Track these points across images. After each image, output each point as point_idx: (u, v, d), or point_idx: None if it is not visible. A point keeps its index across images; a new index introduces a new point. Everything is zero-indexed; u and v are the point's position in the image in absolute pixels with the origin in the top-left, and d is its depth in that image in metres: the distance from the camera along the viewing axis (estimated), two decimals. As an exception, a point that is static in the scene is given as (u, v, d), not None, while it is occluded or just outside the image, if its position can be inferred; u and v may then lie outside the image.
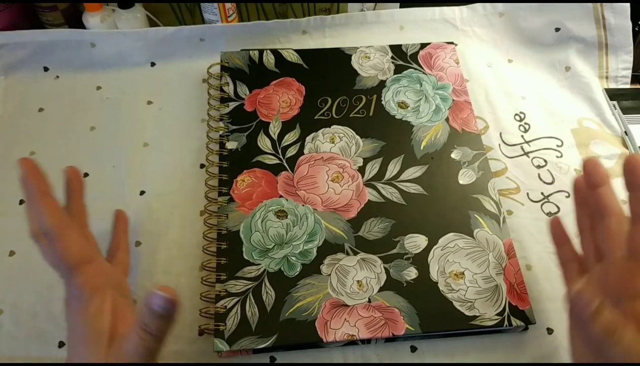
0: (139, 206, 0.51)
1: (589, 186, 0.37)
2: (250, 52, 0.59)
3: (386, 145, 0.53)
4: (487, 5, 0.64)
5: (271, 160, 0.52)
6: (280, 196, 0.49)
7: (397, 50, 0.60)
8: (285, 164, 0.51)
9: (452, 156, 0.53)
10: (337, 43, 0.62)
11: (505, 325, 0.43)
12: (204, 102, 0.56)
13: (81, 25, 0.61)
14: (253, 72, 0.58)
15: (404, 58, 0.60)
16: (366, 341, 0.44)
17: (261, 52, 0.59)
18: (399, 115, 0.55)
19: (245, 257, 0.46)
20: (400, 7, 0.65)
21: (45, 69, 0.60)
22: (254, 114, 0.55)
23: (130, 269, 0.45)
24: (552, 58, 0.62)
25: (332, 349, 0.44)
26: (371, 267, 0.46)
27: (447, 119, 0.55)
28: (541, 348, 0.45)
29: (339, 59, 0.59)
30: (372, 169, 0.51)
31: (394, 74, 0.58)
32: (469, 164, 0.52)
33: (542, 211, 0.52)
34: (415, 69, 0.59)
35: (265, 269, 0.45)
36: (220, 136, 0.53)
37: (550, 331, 0.45)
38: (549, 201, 0.52)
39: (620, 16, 0.60)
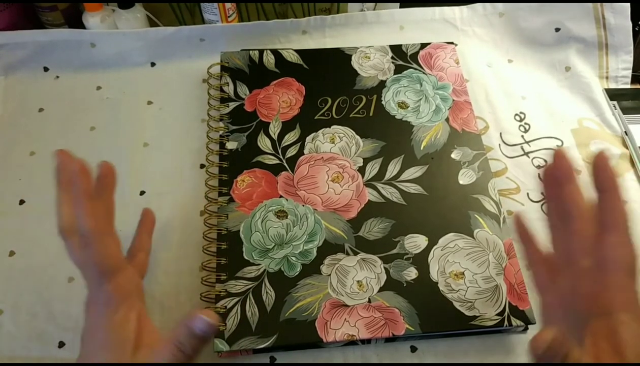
0: (139, 206, 0.50)
1: (555, 181, 0.35)
2: (250, 52, 0.59)
3: (386, 145, 0.53)
4: (487, 5, 0.64)
5: (271, 160, 0.52)
6: (280, 196, 0.49)
7: (397, 50, 0.60)
8: (285, 164, 0.51)
9: (452, 156, 0.53)
10: (337, 43, 0.62)
11: (505, 325, 0.43)
12: (204, 102, 0.56)
13: (81, 25, 0.61)
14: (253, 72, 0.58)
15: (404, 58, 0.60)
16: (366, 341, 0.44)
17: (261, 52, 0.59)
18: (399, 115, 0.55)
19: (245, 257, 0.46)
20: (400, 7, 0.65)
21: (45, 69, 0.60)
22: (254, 114, 0.55)
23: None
24: (552, 58, 0.62)
25: (332, 349, 0.44)
26: (371, 267, 0.46)
27: (447, 119, 0.55)
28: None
29: (339, 59, 0.59)
30: (372, 169, 0.51)
31: (394, 74, 0.58)
32: (469, 164, 0.52)
33: (542, 211, 0.52)
34: (416, 69, 0.59)
35: (265, 270, 0.45)
36: (220, 136, 0.53)
37: (550, 331, 0.45)
38: (549, 201, 0.52)
39: (620, 16, 0.60)
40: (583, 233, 0.33)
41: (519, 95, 0.60)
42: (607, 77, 0.62)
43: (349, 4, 0.64)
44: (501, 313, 0.44)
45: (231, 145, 0.52)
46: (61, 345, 0.44)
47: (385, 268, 0.46)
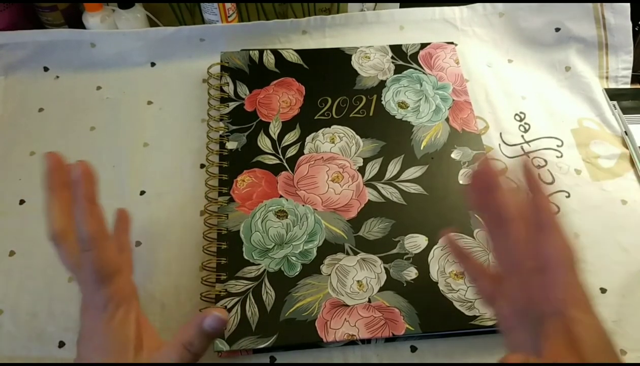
0: (139, 206, 0.51)
1: (482, 190, 0.36)
2: (250, 52, 0.59)
3: (386, 145, 0.53)
4: (487, 5, 0.64)
5: (271, 160, 0.52)
6: (281, 196, 0.49)
7: (397, 50, 0.60)
8: (286, 164, 0.51)
9: (452, 156, 0.53)
10: (337, 43, 0.62)
11: (505, 325, 0.43)
12: (204, 102, 0.56)
13: (81, 25, 0.61)
14: (253, 72, 0.58)
15: (404, 58, 0.60)
16: (366, 341, 0.44)
17: (261, 52, 0.59)
18: (399, 115, 0.55)
19: (245, 257, 0.46)
20: (400, 7, 0.65)
21: (45, 69, 0.60)
22: (254, 114, 0.55)
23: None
24: (552, 58, 0.62)
25: (332, 349, 0.44)
26: (371, 267, 0.46)
27: (447, 119, 0.55)
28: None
29: (339, 59, 0.59)
30: (372, 169, 0.51)
31: (394, 74, 0.58)
32: (469, 164, 0.52)
33: (542, 211, 0.52)
34: (416, 69, 0.59)
35: (265, 269, 0.45)
36: (221, 136, 0.53)
37: (550, 331, 0.45)
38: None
39: (620, 16, 0.60)
40: (520, 236, 0.34)
41: (519, 95, 0.60)
42: (607, 77, 0.62)
43: (349, 4, 0.64)
44: (501, 313, 0.44)
45: (231, 145, 0.52)
46: (61, 344, 0.44)
47: (385, 267, 0.46)
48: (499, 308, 0.36)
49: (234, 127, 0.54)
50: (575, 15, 0.61)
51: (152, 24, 0.64)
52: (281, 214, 0.48)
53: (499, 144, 0.56)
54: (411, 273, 0.46)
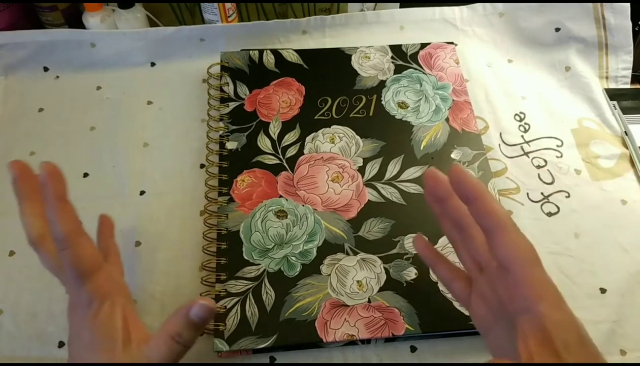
0: (139, 206, 0.51)
1: (437, 200, 0.37)
2: (250, 52, 0.59)
3: (386, 145, 0.53)
4: (487, 5, 0.64)
5: (271, 160, 0.52)
6: (280, 196, 0.49)
7: (397, 50, 0.60)
8: (285, 164, 0.51)
9: (452, 156, 0.53)
10: (337, 43, 0.62)
11: (505, 325, 0.43)
12: (204, 102, 0.56)
13: (81, 25, 0.61)
14: (253, 72, 0.58)
15: (404, 58, 0.60)
16: (366, 341, 0.44)
17: (261, 52, 0.59)
18: (399, 115, 0.55)
19: (245, 257, 0.46)
20: (400, 7, 0.65)
21: (45, 69, 0.60)
22: (254, 114, 0.55)
23: (124, 272, 0.44)
24: (552, 58, 0.62)
25: (332, 349, 0.44)
26: (371, 267, 0.46)
27: (447, 119, 0.55)
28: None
29: (339, 59, 0.59)
30: (372, 169, 0.51)
31: (394, 74, 0.58)
32: (469, 164, 0.52)
33: (542, 211, 0.52)
34: (415, 69, 0.59)
35: (265, 270, 0.45)
36: (220, 136, 0.53)
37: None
38: (549, 201, 0.52)
39: (620, 16, 0.60)
40: (478, 241, 0.36)
41: (519, 95, 0.60)
42: (607, 77, 0.62)
43: (349, 4, 0.64)
44: (501, 313, 0.44)
45: (231, 145, 0.52)
46: (61, 344, 0.44)
47: (385, 267, 0.46)
48: (474, 309, 0.37)
49: (234, 127, 0.54)
50: (575, 15, 0.61)
51: (152, 24, 0.64)
52: (281, 214, 0.48)
53: (499, 144, 0.56)
54: (411, 273, 0.46)
